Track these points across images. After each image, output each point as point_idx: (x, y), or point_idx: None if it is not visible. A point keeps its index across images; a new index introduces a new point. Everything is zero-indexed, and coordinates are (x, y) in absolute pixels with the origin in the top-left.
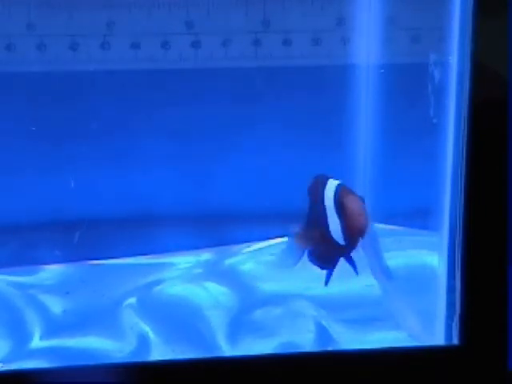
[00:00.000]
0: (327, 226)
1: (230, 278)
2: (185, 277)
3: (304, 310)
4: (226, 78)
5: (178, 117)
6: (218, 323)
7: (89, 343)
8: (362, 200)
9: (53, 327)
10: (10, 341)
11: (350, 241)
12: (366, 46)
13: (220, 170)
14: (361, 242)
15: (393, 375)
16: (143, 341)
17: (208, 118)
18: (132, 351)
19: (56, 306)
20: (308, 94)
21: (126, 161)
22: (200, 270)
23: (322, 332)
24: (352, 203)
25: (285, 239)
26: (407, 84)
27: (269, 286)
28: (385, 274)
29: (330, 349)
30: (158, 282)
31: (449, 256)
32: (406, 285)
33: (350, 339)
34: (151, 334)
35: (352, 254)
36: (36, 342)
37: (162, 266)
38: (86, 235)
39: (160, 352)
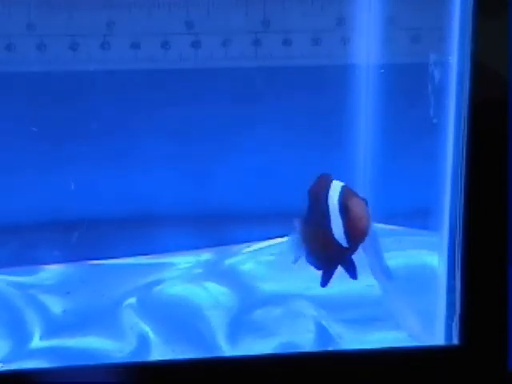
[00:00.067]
0: (330, 227)
1: (230, 277)
2: (185, 277)
3: (304, 310)
4: (226, 78)
5: (177, 117)
6: (218, 323)
7: (89, 343)
8: (366, 203)
9: (53, 327)
10: (9, 341)
11: (352, 243)
12: (366, 46)
13: (220, 170)
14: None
15: (393, 375)
16: (143, 341)
17: (208, 118)
18: (132, 351)
19: (56, 305)
20: (308, 94)
21: (125, 161)
22: (200, 270)
23: (322, 332)
24: (356, 206)
25: (285, 239)
26: (407, 84)
27: (269, 286)
28: (385, 274)
29: (330, 349)
30: (158, 282)
31: (449, 256)
32: (405, 285)
33: (350, 339)
34: (151, 334)
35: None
36: (36, 342)
37: (162, 266)
38: (86, 235)
39: (160, 352)
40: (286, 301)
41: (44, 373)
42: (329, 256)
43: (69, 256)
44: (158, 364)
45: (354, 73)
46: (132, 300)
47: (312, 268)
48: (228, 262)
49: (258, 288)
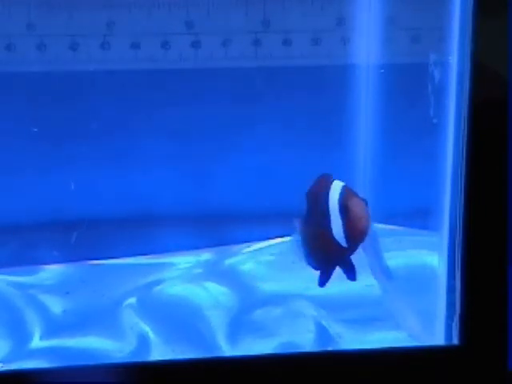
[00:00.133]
0: (330, 227)
1: (230, 278)
2: (185, 277)
3: (304, 310)
4: (226, 78)
5: (178, 117)
6: (218, 323)
7: (89, 343)
8: (366, 203)
9: (53, 327)
10: (10, 341)
11: (352, 243)
12: (366, 46)
13: (220, 170)
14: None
15: (393, 375)
16: (143, 341)
17: (208, 118)
18: (132, 351)
19: (56, 305)
20: (308, 94)
21: (126, 161)
22: (200, 270)
23: (322, 332)
24: (356, 206)
25: (285, 239)
26: (407, 84)
27: (269, 286)
28: (385, 274)
29: (330, 349)
30: (158, 282)
31: (449, 256)
32: (405, 285)
33: (350, 339)
34: (151, 334)
35: (352, 257)
36: (36, 342)
37: (162, 266)
38: (85, 235)
39: (160, 352)
40: (286, 301)
41: (44, 373)
42: (328, 256)
43: (69, 256)
44: (158, 364)
45: (354, 73)
46: (132, 300)
47: (312, 268)
48: (228, 261)
49: (258, 288)
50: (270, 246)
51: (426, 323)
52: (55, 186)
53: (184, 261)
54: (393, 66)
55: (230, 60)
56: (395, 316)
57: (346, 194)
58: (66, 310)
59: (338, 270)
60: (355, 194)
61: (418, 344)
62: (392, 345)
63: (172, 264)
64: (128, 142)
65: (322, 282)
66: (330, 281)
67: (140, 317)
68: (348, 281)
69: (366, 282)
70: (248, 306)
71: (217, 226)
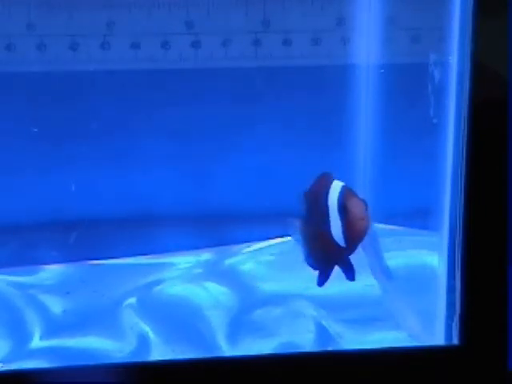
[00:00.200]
0: (329, 227)
1: (230, 278)
2: (185, 277)
3: (304, 310)
4: (226, 78)
5: (178, 117)
6: (218, 323)
7: (89, 343)
8: (365, 204)
9: (53, 327)
10: (10, 341)
11: (350, 244)
12: (366, 46)
13: (220, 170)
14: (361, 243)
15: (393, 375)
16: (143, 341)
17: (208, 118)
18: (132, 351)
19: (56, 305)
20: (308, 94)
21: (126, 161)
22: (200, 270)
23: (322, 332)
24: (355, 207)
25: (285, 239)
26: (407, 84)
27: (269, 286)
28: (385, 274)
29: (330, 349)
30: (158, 282)
31: (449, 256)
32: (406, 285)
33: (350, 339)
34: (151, 334)
35: (351, 257)
36: (36, 342)
37: (162, 266)
38: (86, 235)
39: (160, 352)
40: (286, 301)
41: (44, 373)
42: (327, 256)
43: (69, 256)
44: (158, 364)
45: (354, 73)
46: (132, 300)
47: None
48: (228, 261)
49: (258, 288)
50: (269, 245)
51: (425, 323)
52: (55, 186)
53: (184, 261)
54: (393, 65)
55: (230, 60)
56: (395, 316)
57: (345, 195)
58: (66, 309)
59: (337, 270)
60: (355, 195)
61: (417, 344)
62: (392, 345)
63: (172, 264)
64: (128, 142)
65: (321, 281)
66: (330, 281)
67: (140, 317)
68: (348, 281)
69: (366, 282)
70: (248, 305)
71: (217, 226)
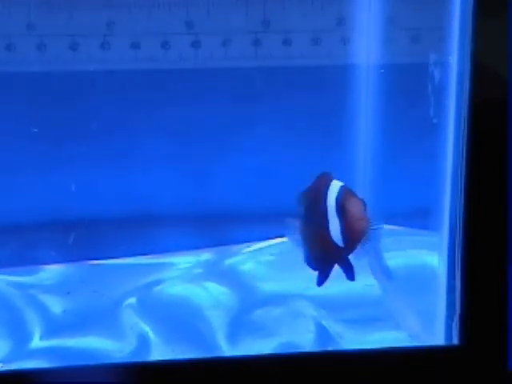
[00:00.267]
0: (327, 227)
1: (230, 278)
2: (185, 277)
3: (304, 310)
4: (226, 78)
5: (177, 117)
6: (218, 323)
7: (89, 343)
8: (364, 204)
9: (53, 327)
10: (10, 341)
11: (349, 244)
12: (366, 46)
13: (220, 170)
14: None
15: (393, 375)
16: (143, 341)
17: (208, 118)
18: (132, 351)
19: (56, 305)
20: (308, 94)
21: (126, 161)
22: (200, 270)
23: (322, 332)
24: (354, 207)
25: (285, 239)
26: (407, 84)
27: (269, 286)
28: (385, 274)
29: (330, 349)
30: (158, 282)
31: (449, 256)
32: (405, 285)
33: (350, 339)
34: (151, 334)
35: (350, 257)
36: (36, 342)
37: (162, 266)
38: (85, 235)
39: (160, 352)
40: (286, 301)
41: (44, 373)
42: (326, 255)
43: (69, 256)
44: (158, 364)
45: (354, 73)
46: (132, 300)
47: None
48: (228, 261)
49: (258, 288)
50: (269, 245)
51: (425, 323)
52: (55, 186)
53: (184, 261)
54: (393, 65)
55: (230, 60)
56: (395, 316)
57: (344, 194)
58: (66, 309)
59: (337, 270)
60: (353, 195)
61: (417, 344)
62: (392, 345)
63: (172, 264)
64: (128, 142)
65: (320, 281)
66: (330, 281)
67: (140, 317)
68: (348, 281)
69: (366, 282)
70: (248, 305)
71: (217, 226)
